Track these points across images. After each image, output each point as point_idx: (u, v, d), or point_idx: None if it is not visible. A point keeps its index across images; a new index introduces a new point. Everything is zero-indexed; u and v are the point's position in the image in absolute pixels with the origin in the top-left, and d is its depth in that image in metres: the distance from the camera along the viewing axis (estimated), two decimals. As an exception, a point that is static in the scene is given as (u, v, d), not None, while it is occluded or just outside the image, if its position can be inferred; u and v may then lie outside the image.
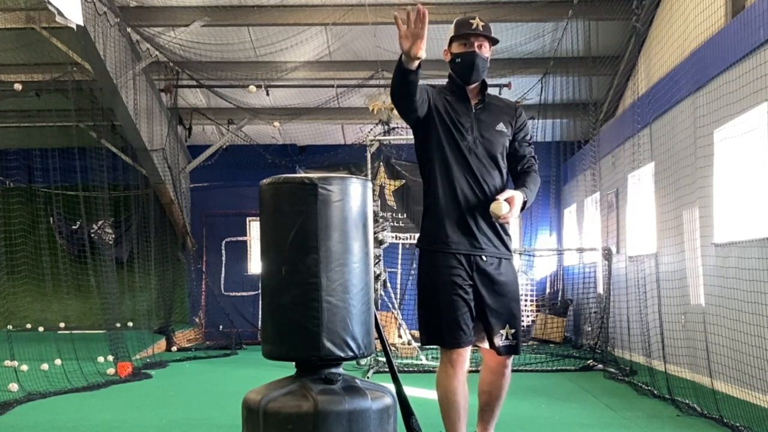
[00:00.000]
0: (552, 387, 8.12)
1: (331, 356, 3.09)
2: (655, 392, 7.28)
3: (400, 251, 14.49)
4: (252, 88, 12.34)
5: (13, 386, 7.65)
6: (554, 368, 9.68)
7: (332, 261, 3.10)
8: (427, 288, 3.90)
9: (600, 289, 11.23)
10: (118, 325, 10.83)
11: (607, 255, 10.43)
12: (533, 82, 12.62)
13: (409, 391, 3.79)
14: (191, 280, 14.99)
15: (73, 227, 14.72)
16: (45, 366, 9.35)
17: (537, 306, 14.43)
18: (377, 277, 9.89)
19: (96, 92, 12.04)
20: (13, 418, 6.49)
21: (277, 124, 14.22)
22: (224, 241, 15.28)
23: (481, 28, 3.84)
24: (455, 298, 3.78)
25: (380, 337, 3.65)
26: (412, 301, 14.24)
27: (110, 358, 9.72)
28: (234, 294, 15.02)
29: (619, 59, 11.46)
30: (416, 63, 3.46)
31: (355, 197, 3.21)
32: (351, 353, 3.13)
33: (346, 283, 3.13)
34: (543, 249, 14.76)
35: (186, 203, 14.79)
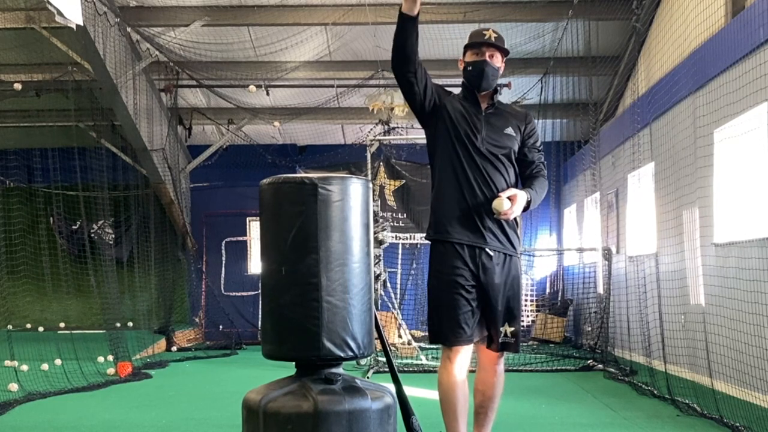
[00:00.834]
0: (552, 387, 8.12)
1: (331, 356, 3.09)
2: (655, 392, 7.28)
3: (400, 251, 14.50)
4: (252, 88, 12.34)
5: (13, 386, 7.65)
6: (554, 368, 9.68)
7: (332, 261, 3.10)
8: (432, 286, 4.00)
9: (600, 289, 11.23)
10: (118, 325, 10.83)
11: (607, 255, 10.43)
12: (533, 82, 12.62)
13: (409, 391, 3.79)
14: (191, 280, 15.00)
15: (73, 227, 14.71)
16: (45, 366, 9.35)
17: (537, 306, 14.43)
18: (377, 277, 9.89)
19: (96, 92, 12.04)
20: (13, 418, 6.49)
21: (277, 124, 14.22)
22: (224, 241, 15.28)
23: (493, 39, 4.01)
24: (457, 296, 3.85)
25: (380, 337, 3.66)
26: (412, 301, 14.27)
27: (110, 358, 9.72)
28: (234, 294, 15.02)
29: (619, 59, 11.46)
30: (416, 10, 3.86)
31: (355, 197, 3.21)
32: (351, 353, 3.13)
33: (346, 283, 3.13)
34: (543, 249, 14.76)
35: (186, 203, 14.79)
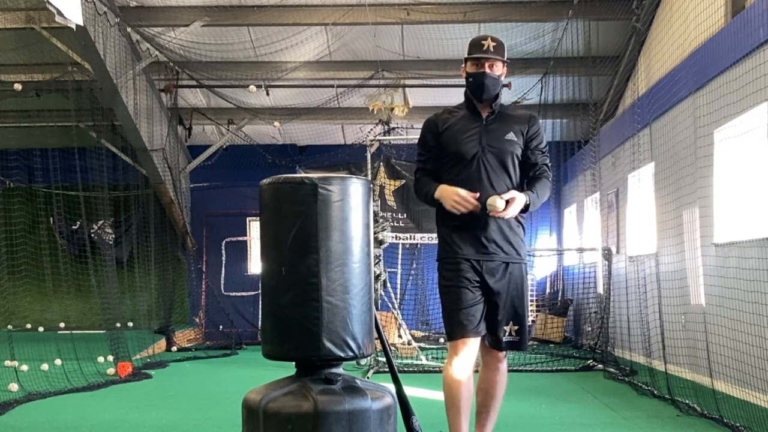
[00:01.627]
0: (552, 387, 8.12)
1: (331, 356, 3.09)
2: (655, 392, 7.28)
3: (400, 251, 14.49)
4: (252, 88, 12.33)
5: (13, 386, 7.65)
6: (554, 368, 9.68)
7: (332, 261, 3.10)
8: (440, 286, 4.07)
9: (600, 289, 11.22)
10: (118, 325, 10.83)
11: (607, 255, 10.42)
12: (533, 82, 12.61)
13: (409, 391, 3.79)
14: (191, 280, 14.99)
15: (73, 227, 14.71)
16: (45, 366, 9.35)
17: (537, 306, 14.43)
18: (377, 277, 9.89)
19: (96, 92, 12.03)
20: (13, 418, 6.49)
21: (277, 124, 14.22)
22: (224, 241, 15.28)
23: (492, 49, 4.02)
24: (462, 290, 3.92)
25: (380, 337, 3.66)
26: (412, 301, 14.27)
27: (110, 358, 9.72)
28: (234, 294, 15.02)
29: (619, 59, 11.46)
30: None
31: (355, 197, 3.21)
32: (351, 353, 3.13)
33: (346, 283, 3.13)
34: (543, 249, 14.76)
35: (186, 203, 14.78)
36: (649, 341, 8.65)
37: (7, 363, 8.43)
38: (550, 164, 4.16)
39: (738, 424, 5.56)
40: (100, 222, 14.46)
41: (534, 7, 10.74)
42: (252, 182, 9.48)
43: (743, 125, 6.87)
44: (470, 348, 3.92)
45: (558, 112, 13.50)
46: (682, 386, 7.38)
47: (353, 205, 3.19)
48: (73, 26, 7.53)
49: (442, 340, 12.35)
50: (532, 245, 14.55)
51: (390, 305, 11.07)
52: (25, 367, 8.98)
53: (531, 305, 14.28)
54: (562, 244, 15.08)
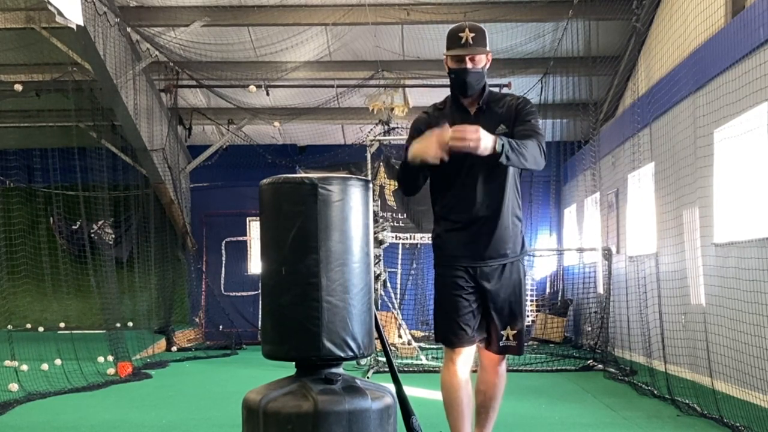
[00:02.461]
0: (552, 387, 8.12)
1: (331, 356, 3.09)
2: (655, 392, 7.28)
3: (400, 251, 14.49)
4: (252, 88, 12.33)
5: (13, 386, 7.65)
6: (554, 368, 9.67)
7: (332, 261, 3.10)
8: (436, 290, 3.98)
9: (600, 289, 11.23)
10: (118, 325, 10.83)
11: (607, 255, 10.43)
12: (533, 82, 12.62)
13: (409, 391, 3.79)
14: (191, 280, 14.99)
15: (73, 227, 14.71)
16: (45, 366, 9.35)
17: (537, 306, 14.43)
18: (377, 277, 9.89)
19: (96, 92, 12.03)
20: (13, 418, 6.49)
21: (277, 124, 14.22)
22: (224, 241, 15.28)
23: (471, 41, 3.77)
24: (458, 299, 3.83)
25: (380, 337, 3.65)
26: (412, 301, 14.27)
27: (110, 358, 9.72)
28: (234, 294, 15.02)
29: (619, 59, 11.46)
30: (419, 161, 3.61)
31: (355, 197, 3.20)
32: (351, 353, 3.13)
33: (346, 283, 3.12)
34: (543, 249, 14.76)
35: (186, 203, 14.78)
36: (649, 341, 8.65)
37: (7, 363, 8.44)
38: (540, 130, 3.79)
39: (738, 424, 5.56)
40: (100, 222, 14.45)
41: (534, 7, 10.74)
42: (252, 182, 9.45)
43: (743, 125, 6.87)
44: (466, 355, 3.86)
45: (558, 112, 13.50)
46: (682, 386, 7.39)
47: (353, 205, 3.19)
48: (74, 26, 7.53)
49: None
50: (532, 245, 14.54)
51: (390, 305, 11.07)
52: (25, 367, 8.98)
53: (531, 305, 14.27)
54: (562, 244, 15.08)
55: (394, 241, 12.78)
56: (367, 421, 3.00)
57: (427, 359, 10.22)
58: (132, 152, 12.88)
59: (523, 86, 12.51)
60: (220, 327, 14.56)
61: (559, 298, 14.16)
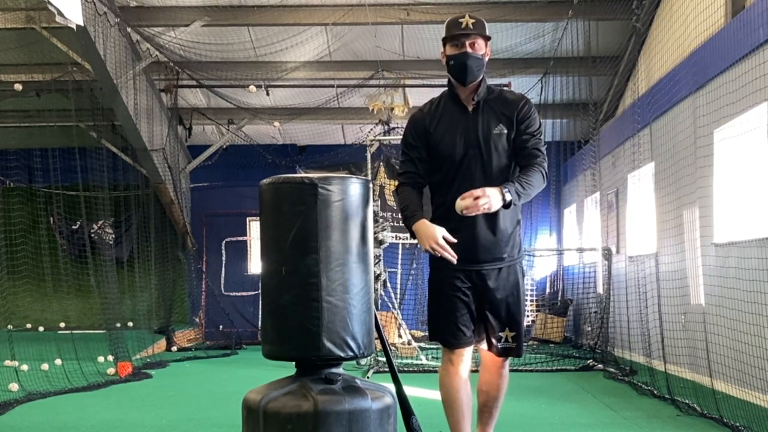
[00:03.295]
0: (552, 387, 8.12)
1: (331, 356, 3.09)
2: (655, 392, 7.28)
3: (400, 251, 14.49)
4: (252, 88, 12.33)
5: (13, 386, 7.65)
6: (554, 368, 9.67)
7: (332, 261, 3.11)
8: (432, 289, 3.94)
9: (600, 289, 11.22)
10: (118, 325, 10.83)
11: (607, 255, 10.42)
12: (533, 82, 12.62)
13: (409, 391, 3.79)
14: (191, 280, 14.99)
15: (73, 227, 14.71)
16: (45, 366, 9.35)
17: (537, 306, 14.43)
18: (377, 277, 9.89)
19: (96, 92, 12.03)
20: (13, 418, 6.49)
21: (277, 124, 14.22)
22: (224, 241, 15.28)
23: (471, 26, 3.72)
24: (455, 300, 3.79)
25: (380, 337, 3.65)
26: (412, 301, 14.27)
27: (110, 358, 9.72)
28: (234, 294, 15.02)
29: (619, 59, 11.46)
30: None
31: (355, 197, 3.21)
32: (351, 353, 3.13)
33: (346, 283, 3.13)
34: (543, 249, 14.76)
35: (186, 203, 14.78)
36: (649, 341, 8.65)
37: (7, 363, 8.44)
38: (543, 148, 3.78)
39: (738, 424, 5.55)
40: (100, 222, 14.45)
41: (534, 7, 10.74)
42: (252, 182, 9.44)
43: (743, 125, 6.87)
44: (465, 356, 3.83)
45: (558, 112, 13.50)
46: (682, 386, 7.38)
47: (353, 205, 3.19)
48: (74, 26, 7.52)
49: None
50: (532, 245, 14.55)
51: (390, 305, 11.07)
52: (25, 367, 8.98)
53: (531, 305, 14.27)
54: (562, 244, 15.08)
55: (394, 241, 12.78)
56: (367, 421, 3.00)
57: (427, 359, 10.22)
58: (132, 152, 12.88)
59: (523, 86, 12.51)
60: (220, 327, 14.55)
61: (559, 298, 14.15)
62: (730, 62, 7.00)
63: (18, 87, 11.61)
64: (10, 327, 10.77)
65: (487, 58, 3.81)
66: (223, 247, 15.29)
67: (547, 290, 14.89)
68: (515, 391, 7.21)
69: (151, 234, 13.51)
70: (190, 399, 7.72)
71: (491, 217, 3.72)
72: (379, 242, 9.97)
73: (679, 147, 8.35)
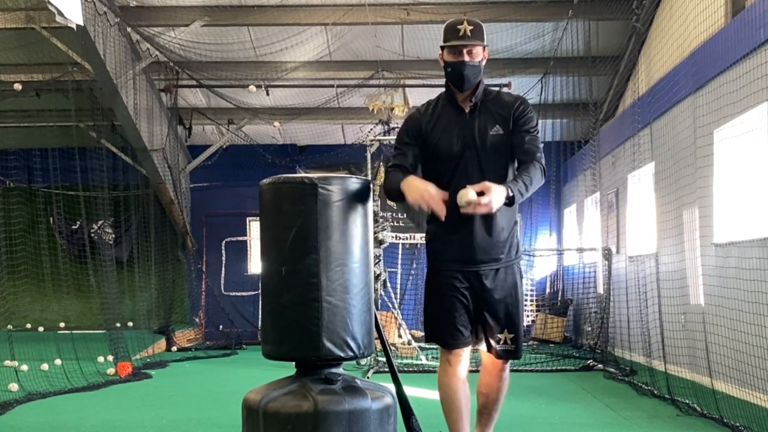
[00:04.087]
0: (552, 387, 8.12)
1: (331, 356, 3.09)
2: (655, 392, 7.28)
3: (400, 251, 14.49)
4: (252, 88, 12.33)
5: (13, 386, 7.65)
6: (554, 368, 9.67)
7: (332, 261, 3.11)
8: (429, 289, 3.91)
9: (600, 289, 11.22)
10: (118, 325, 10.82)
11: (607, 255, 10.42)
12: (533, 82, 12.62)
13: (409, 391, 3.79)
14: (191, 280, 14.99)
15: (73, 227, 14.71)
16: (45, 366, 9.34)
17: (537, 306, 14.43)
18: (377, 277, 9.89)
19: (96, 92, 12.03)
20: (13, 418, 6.49)
21: (277, 124, 14.22)
22: (224, 241, 15.28)
23: (469, 34, 3.71)
24: (453, 300, 3.78)
25: (380, 337, 3.65)
26: (412, 301, 14.27)
27: (110, 358, 9.72)
28: (234, 294, 15.02)
29: (619, 59, 11.46)
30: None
31: (355, 197, 3.21)
32: (351, 353, 3.13)
33: (346, 283, 3.13)
34: (543, 249, 14.76)
35: (186, 203, 14.78)
36: (649, 341, 8.65)
37: (7, 363, 8.43)
38: (540, 145, 3.77)
39: (738, 424, 5.55)
40: (100, 222, 14.45)
41: (534, 7, 10.74)
42: (252, 182, 9.43)
43: (743, 125, 6.87)
44: (463, 357, 3.81)
45: (558, 112, 13.50)
46: (682, 386, 7.38)
47: (353, 205, 3.19)
48: (74, 26, 7.53)
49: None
50: (532, 245, 14.55)
51: (390, 305, 11.07)
52: (25, 367, 8.98)
53: (531, 305, 14.28)
54: (562, 244, 15.07)
55: (394, 241, 12.77)
56: (367, 421, 3.00)
57: (426, 359, 10.22)
58: (132, 152, 12.88)
59: (523, 86, 12.51)
60: (220, 327, 14.55)
61: (559, 298, 14.15)
62: (730, 62, 7.00)
63: (18, 87, 11.61)
64: (9, 327, 10.77)
65: (484, 62, 3.81)
66: (223, 247, 15.29)
67: (547, 290, 14.89)
68: (515, 391, 7.20)
69: (151, 234, 13.51)
70: (190, 399, 7.72)
71: (488, 218, 3.70)
72: (379, 242, 9.97)
73: (679, 147, 8.35)
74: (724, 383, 6.71)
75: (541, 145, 3.81)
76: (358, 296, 3.16)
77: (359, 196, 3.24)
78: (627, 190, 10.77)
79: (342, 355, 3.10)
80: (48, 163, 12.88)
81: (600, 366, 9.51)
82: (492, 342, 3.83)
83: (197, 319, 14.87)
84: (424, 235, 4.06)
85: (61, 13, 7.05)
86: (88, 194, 12.80)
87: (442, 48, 3.81)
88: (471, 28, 3.72)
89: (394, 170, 3.76)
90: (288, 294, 3.10)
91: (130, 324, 13.13)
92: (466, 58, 3.72)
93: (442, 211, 3.48)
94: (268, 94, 12.58)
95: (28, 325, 14.05)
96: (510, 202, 3.50)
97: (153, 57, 11.74)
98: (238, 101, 13.26)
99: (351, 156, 14.13)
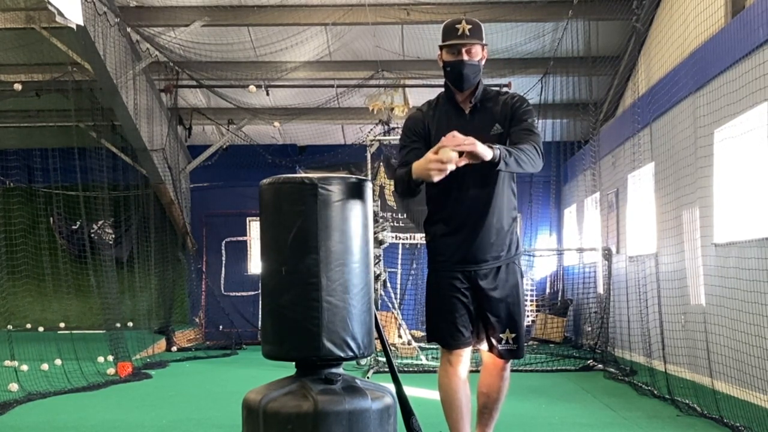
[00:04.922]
0: (552, 387, 8.12)
1: (331, 356, 3.09)
2: (655, 392, 7.28)
3: (400, 251, 14.50)
4: (252, 88, 12.33)
5: (13, 386, 7.65)
6: (554, 368, 9.68)
7: (332, 261, 3.10)
8: (430, 289, 3.92)
9: (600, 289, 11.22)
10: (118, 325, 10.83)
11: (607, 255, 10.42)
12: (533, 82, 12.62)
13: (409, 391, 3.78)
14: (191, 280, 14.99)
15: (73, 227, 14.71)
16: (45, 366, 9.35)
17: (537, 306, 14.43)
18: (377, 277, 9.89)
19: (96, 92, 12.04)
20: (13, 418, 6.49)
21: (277, 124, 14.22)
22: (224, 241, 15.28)
23: (467, 33, 3.71)
24: (454, 300, 3.79)
25: (380, 337, 3.65)
26: (412, 301, 14.28)
27: (110, 358, 9.72)
28: (234, 294, 15.02)
29: (619, 59, 11.47)
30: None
31: (355, 197, 3.20)
32: (351, 353, 3.13)
33: (346, 283, 3.13)
34: (543, 249, 14.76)
35: (186, 203, 14.78)
36: (649, 341, 8.65)
37: (7, 363, 8.43)
38: (538, 133, 3.72)
39: (738, 424, 5.56)
40: (100, 222, 14.45)
41: (534, 7, 10.74)
42: (252, 182, 9.42)
43: (743, 125, 6.87)
44: (464, 357, 3.82)
45: (558, 112, 13.50)
46: (682, 386, 7.38)
47: (353, 205, 3.19)
48: (74, 26, 7.53)
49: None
50: (532, 245, 14.55)
51: (390, 305, 11.07)
52: (25, 367, 8.99)
53: (531, 305, 14.27)
54: (562, 244, 15.07)
55: (394, 241, 12.78)
56: (367, 421, 3.00)
57: (427, 359, 10.22)
58: (132, 152, 12.88)
59: (523, 86, 12.51)
60: (220, 327, 14.56)
61: (559, 298, 14.15)
62: (730, 62, 7.00)
63: (18, 87, 11.61)
64: (10, 327, 10.78)
65: (483, 62, 3.81)
66: (223, 247, 15.30)
67: (547, 290, 14.89)
68: (515, 391, 7.20)
69: (151, 234, 13.51)
70: (190, 399, 7.72)
71: (488, 217, 3.73)
72: (379, 242, 9.97)
73: (679, 147, 8.35)
74: (725, 383, 6.71)
75: (540, 138, 3.75)
76: (358, 296, 3.16)
77: (359, 196, 3.24)
78: (627, 190, 10.77)
79: (342, 355, 3.10)
80: (48, 163, 12.89)
81: (600, 366, 9.51)
82: (494, 342, 3.84)
83: (197, 319, 14.88)
84: (424, 235, 4.07)
85: (61, 13, 7.05)
86: (88, 194, 12.80)
87: (441, 48, 3.81)
88: (470, 27, 3.72)
89: (401, 169, 3.73)
90: (288, 294, 3.10)
91: (130, 324, 13.13)
92: (465, 57, 3.72)
93: (450, 160, 3.34)
94: (268, 94, 12.59)
95: (28, 325, 14.05)
96: (495, 164, 3.42)
97: (153, 57, 11.74)
98: (238, 101, 13.27)
99: (351, 156, 14.13)
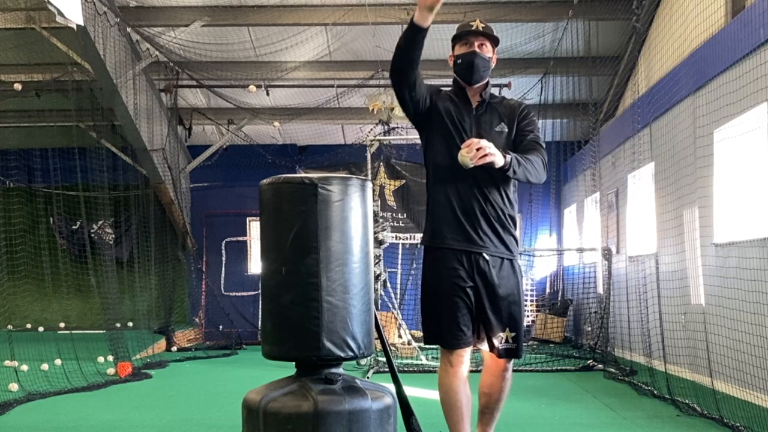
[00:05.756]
0: (552, 387, 8.12)
1: (331, 356, 3.09)
2: (655, 392, 7.28)
3: (400, 251, 14.49)
4: (252, 88, 12.34)
5: (13, 386, 7.65)
6: (554, 368, 9.68)
7: (332, 261, 3.10)
8: (428, 288, 3.93)
9: (600, 289, 11.22)
10: (118, 325, 10.82)
11: (607, 255, 10.42)
12: (533, 82, 12.62)
13: (409, 391, 3.78)
14: (191, 280, 14.99)
15: (73, 227, 14.72)
16: (45, 366, 9.35)
17: (537, 306, 14.43)
18: (377, 277, 9.89)
19: (96, 92, 12.04)
20: (13, 418, 6.49)
21: (277, 124, 14.22)
22: (224, 241, 15.29)
23: (481, 29, 3.86)
24: (455, 299, 3.79)
25: (380, 337, 3.65)
26: (412, 301, 14.27)
27: (110, 358, 9.72)
28: (234, 294, 15.02)
29: (619, 59, 11.47)
30: (429, 21, 3.49)
31: (355, 197, 3.20)
32: (351, 353, 3.13)
33: (346, 283, 3.12)
34: (543, 249, 14.76)
35: (186, 203, 14.79)
36: (649, 341, 8.65)
37: (7, 363, 8.43)
38: (543, 144, 3.89)
39: (738, 424, 5.56)
40: (100, 222, 14.46)
41: (534, 7, 10.74)
42: (252, 182, 9.45)
43: (743, 125, 6.87)
44: (464, 357, 3.83)
45: (558, 112, 13.50)
46: (682, 386, 7.39)
47: (353, 205, 3.19)
48: (74, 26, 7.53)
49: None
50: (532, 245, 14.55)
51: (390, 305, 11.07)
52: (25, 367, 8.99)
53: (531, 305, 14.27)
54: (562, 244, 15.07)
55: (394, 241, 12.78)
56: (367, 421, 3.00)
57: (427, 359, 10.22)
58: (132, 152, 12.88)
59: (523, 86, 12.52)
60: (220, 327, 14.56)
61: (559, 298, 14.15)
62: (730, 62, 7.00)
63: (18, 87, 11.61)
64: (10, 327, 10.78)
65: (493, 64, 3.93)
66: (223, 247, 15.30)
67: (547, 290, 14.89)
68: (515, 391, 7.19)
69: (151, 234, 13.51)
70: (190, 399, 7.72)
71: (492, 205, 3.80)
72: (379, 242, 9.97)
73: (679, 147, 8.35)
74: (725, 383, 6.71)
75: (545, 152, 3.91)
76: (358, 296, 3.15)
77: (359, 196, 3.24)
78: (627, 190, 10.77)
79: (342, 355, 3.10)
80: (48, 163, 12.89)
81: (600, 366, 9.51)
82: (495, 341, 3.84)
83: (197, 319, 14.88)
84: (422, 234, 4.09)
85: (61, 13, 7.05)
86: (88, 194, 12.81)
87: (454, 43, 3.92)
88: (483, 26, 3.88)
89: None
90: (288, 294, 3.10)
91: (130, 324, 13.13)
92: (477, 49, 3.84)
93: (465, 166, 3.54)
94: (268, 94, 12.59)
95: (28, 325, 14.06)
96: (506, 169, 3.60)
97: (153, 57, 11.74)
98: (238, 101, 13.27)
99: (351, 156, 14.14)
